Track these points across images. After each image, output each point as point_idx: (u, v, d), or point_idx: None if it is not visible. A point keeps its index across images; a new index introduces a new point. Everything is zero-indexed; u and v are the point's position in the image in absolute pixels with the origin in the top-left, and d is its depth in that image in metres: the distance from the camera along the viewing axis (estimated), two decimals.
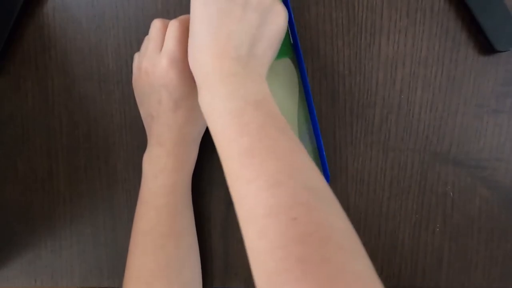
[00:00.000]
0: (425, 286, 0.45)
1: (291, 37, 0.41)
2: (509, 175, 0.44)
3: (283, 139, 0.31)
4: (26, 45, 0.44)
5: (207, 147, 0.44)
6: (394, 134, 0.44)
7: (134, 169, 0.41)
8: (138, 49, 0.41)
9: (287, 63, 0.42)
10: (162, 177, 0.39)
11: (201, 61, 0.33)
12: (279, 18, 0.35)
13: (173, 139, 0.39)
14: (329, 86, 0.43)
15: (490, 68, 0.43)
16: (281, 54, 0.39)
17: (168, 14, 0.43)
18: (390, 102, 0.43)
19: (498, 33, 0.40)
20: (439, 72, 0.43)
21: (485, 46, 0.42)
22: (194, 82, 0.38)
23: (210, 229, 0.45)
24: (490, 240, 0.43)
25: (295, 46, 0.41)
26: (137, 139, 0.44)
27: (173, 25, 0.37)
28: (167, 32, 0.37)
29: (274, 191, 0.28)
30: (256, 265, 0.28)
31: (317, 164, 0.43)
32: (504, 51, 0.41)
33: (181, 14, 0.39)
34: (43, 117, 0.45)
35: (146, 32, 0.40)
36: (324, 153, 0.42)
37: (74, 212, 0.46)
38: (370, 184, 0.44)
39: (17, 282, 0.47)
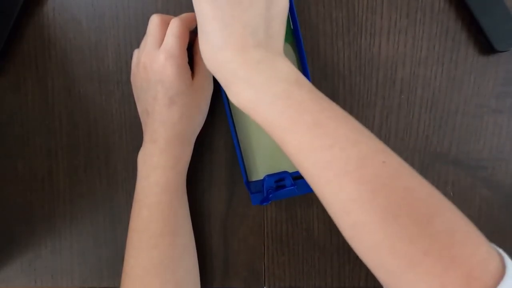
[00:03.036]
0: None
1: (291, 23, 0.41)
2: (509, 175, 0.44)
3: (336, 107, 0.32)
4: (26, 45, 0.44)
5: (207, 147, 0.44)
6: (394, 134, 0.44)
7: (134, 169, 0.41)
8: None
9: (287, 49, 0.42)
10: (155, 175, 0.39)
11: (224, 58, 0.32)
12: None
13: (166, 136, 0.38)
14: (329, 86, 0.43)
15: (490, 68, 0.43)
16: None
17: (168, 14, 0.43)
18: (390, 102, 0.43)
19: (498, 33, 0.40)
20: (439, 72, 0.43)
21: (485, 46, 0.42)
22: (190, 79, 0.38)
23: (210, 229, 0.45)
24: (490, 240, 0.43)
25: (295, 32, 0.41)
26: (137, 139, 0.44)
27: (175, 23, 0.37)
28: (168, 29, 0.38)
29: (359, 147, 0.29)
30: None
31: None
32: (504, 51, 0.41)
33: (181, 14, 0.39)
34: (43, 117, 0.45)
35: (145, 32, 0.39)
36: None
37: (74, 212, 0.46)
38: None
39: (17, 282, 0.47)
